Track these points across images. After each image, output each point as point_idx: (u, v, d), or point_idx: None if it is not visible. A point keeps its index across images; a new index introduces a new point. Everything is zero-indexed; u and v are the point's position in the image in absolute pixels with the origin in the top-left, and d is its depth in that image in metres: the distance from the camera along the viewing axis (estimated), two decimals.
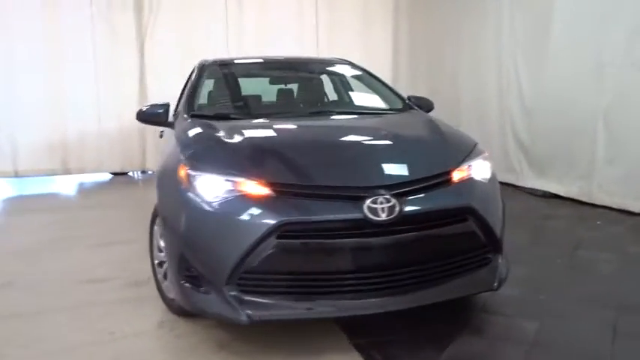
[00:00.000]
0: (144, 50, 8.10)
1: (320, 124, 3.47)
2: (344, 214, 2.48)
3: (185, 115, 3.50)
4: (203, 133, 3.09)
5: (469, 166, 2.91)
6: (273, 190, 2.53)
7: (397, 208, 2.51)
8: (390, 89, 4.15)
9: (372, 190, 2.53)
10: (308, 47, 8.42)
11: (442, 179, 2.76)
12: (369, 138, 3.20)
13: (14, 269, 4.15)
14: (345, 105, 4.29)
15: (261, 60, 4.71)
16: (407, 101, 4.02)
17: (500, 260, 2.88)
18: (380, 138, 3.17)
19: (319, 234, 2.47)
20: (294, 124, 3.42)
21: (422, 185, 2.66)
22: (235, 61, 4.56)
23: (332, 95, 4.42)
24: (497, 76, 6.78)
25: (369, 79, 4.34)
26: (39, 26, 7.63)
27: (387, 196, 2.52)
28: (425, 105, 4.08)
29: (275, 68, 4.57)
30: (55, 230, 5.37)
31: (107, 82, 7.90)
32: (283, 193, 2.53)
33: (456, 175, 2.82)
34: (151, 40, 8.11)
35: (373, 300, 2.52)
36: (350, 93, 4.48)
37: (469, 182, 2.83)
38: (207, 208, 2.57)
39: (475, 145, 3.16)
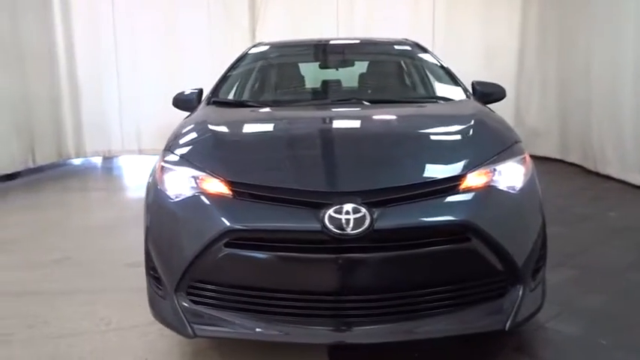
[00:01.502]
0: (255, 37, 8.14)
1: (331, 115, 3.04)
2: (299, 223, 2.09)
3: (205, 102, 3.32)
4: (196, 122, 2.87)
5: (493, 170, 2.31)
6: (232, 191, 2.23)
7: (368, 221, 2.05)
8: (450, 75, 3.55)
9: (339, 197, 2.10)
10: (422, 32, 7.76)
11: (445, 186, 2.21)
12: (371, 133, 2.72)
13: (78, 244, 4.40)
14: (383, 92, 3.76)
15: (310, 43, 4.35)
16: (464, 89, 3.40)
17: (520, 293, 2.25)
18: (384, 134, 2.68)
19: (271, 245, 2.12)
20: (302, 115, 3.06)
21: (410, 193, 2.15)
22: (284, 45, 4.27)
23: (377, 81, 3.92)
24: (634, 68, 5.59)
25: (428, 64, 3.77)
26: (159, 21, 8.11)
27: (356, 206, 2.07)
28: (494, 92, 3.44)
29: (323, 52, 4.17)
30: (139, 209, 5.59)
31: (221, 70, 8.05)
32: (241, 195, 2.21)
33: (470, 181, 2.24)
34: (262, 27, 8.14)
35: (327, 329, 2.12)
36: (395, 79, 3.95)
37: (483, 192, 2.23)
38: (168, 204, 2.35)
39: (513, 143, 2.52)
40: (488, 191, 2.26)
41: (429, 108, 3.18)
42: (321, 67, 4.02)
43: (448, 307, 2.17)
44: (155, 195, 2.45)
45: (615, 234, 4.32)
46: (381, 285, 2.13)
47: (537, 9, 7.65)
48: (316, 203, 2.10)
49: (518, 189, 2.34)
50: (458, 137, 2.60)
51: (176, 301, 2.26)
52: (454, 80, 3.49)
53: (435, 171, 2.31)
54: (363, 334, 2.15)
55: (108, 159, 8.62)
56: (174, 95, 3.62)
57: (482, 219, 2.14)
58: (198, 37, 8.14)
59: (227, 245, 2.13)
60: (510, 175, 2.35)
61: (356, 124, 2.93)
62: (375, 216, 2.06)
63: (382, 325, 2.16)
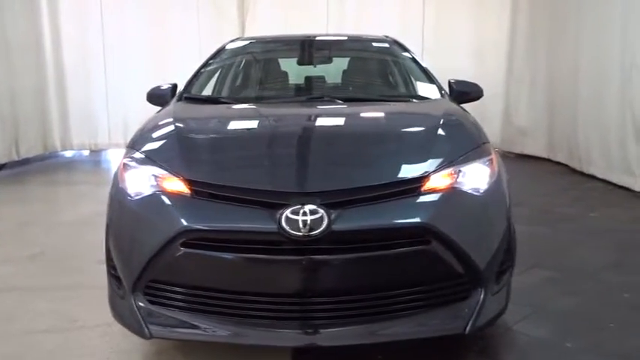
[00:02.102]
0: (244, 30, 8.08)
1: (298, 113, 3.00)
2: (256, 224, 2.07)
3: (176, 98, 3.28)
4: (162, 119, 2.83)
5: (457, 171, 2.28)
6: (191, 189, 2.19)
7: (325, 223, 2.02)
8: (426, 73, 3.52)
9: (297, 198, 2.07)
10: (412, 29, 7.70)
11: (406, 187, 2.18)
12: (335, 133, 2.69)
13: (55, 240, 4.37)
14: (356, 90, 3.73)
15: (287, 39, 4.32)
16: (439, 87, 3.37)
17: (482, 296, 2.22)
18: (348, 134, 2.66)
19: (229, 246, 2.09)
20: (269, 113, 3.03)
21: (370, 194, 2.12)
22: (261, 41, 4.24)
23: (352, 79, 3.89)
24: (620, 70, 5.55)
25: (406, 61, 3.74)
26: (147, 15, 8.02)
27: (314, 207, 2.04)
28: (471, 91, 3.40)
29: (300, 48, 4.12)
30: None
31: None
32: (200, 194, 2.18)
33: (433, 183, 2.21)
34: (252, 21, 8.07)
35: (287, 331, 2.10)
36: (371, 77, 3.90)
37: (445, 193, 2.20)
38: (127, 202, 2.32)
39: (480, 144, 2.49)
40: (451, 193, 2.23)
41: (399, 107, 3.14)
42: (298, 63, 3.99)
43: (408, 309, 2.15)
44: (116, 192, 2.43)
45: (595, 235, 4.31)
46: (342, 287, 2.11)
47: (527, 9, 7.58)
48: (274, 204, 2.07)
49: (482, 191, 2.30)
50: (423, 137, 2.56)
51: (133, 301, 2.23)
52: (430, 78, 3.46)
53: (397, 172, 2.28)
54: (328, 336, 2.12)
55: (95, 152, 8.55)
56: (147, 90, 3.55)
57: (443, 221, 2.12)
58: (187, 31, 8.05)
59: (184, 245, 2.10)
60: (475, 177, 2.32)
61: (321, 123, 2.89)
62: (332, 217, 2.03)
63: (346, 328, 2.13)
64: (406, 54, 3.84)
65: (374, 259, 2.08)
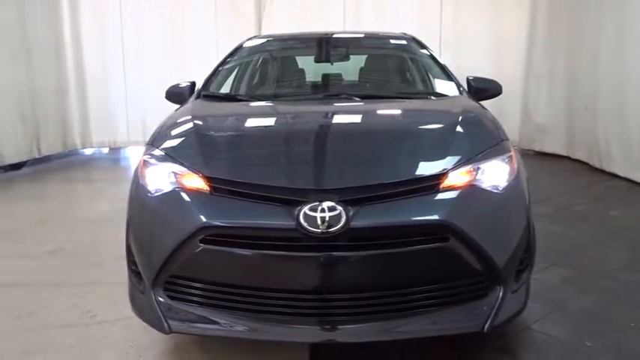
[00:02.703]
0: (261, 28, 8.10)
1: (316, 110, 3.01)
2: (274, 221, 2.07)
3: (195, 96, 3.31)
4: (181, 117, 2.85)
5: (476, 168, 2.27)
6: (210, 186, 2.21)
7: (343, 220, 2.02)
8: (444, 70, 3.50)
9: (315, 195, 2.07)
10: (429, 26, 7.67)
11: (425, 184, 2.17)
12: (353, 130, 2.69)
13: (74, 236, 4.41)
14: (374, 87, 3.72)
15: (305, 36, 4.32)
16: (457, 84, 3.34)
17: (500, 294, 2.21)
18: (367, 131, 2.65)
19: (246, 242, 2.10)
20: (287, 110, 3.04)
21: (388, 191, 2.12)
22: (279, 39, 4.25)
23: (370, 76, 3.88)
24: None
25: (424, 58, 3.72)
26: (165, 13, 8.09)
27: (332, 203, 2.04)
28: (489, 88, 3.37)
29: (317, 46, 4.12)
30: None
31: None
32: (219, 191, 2.20)
33: (451, 180, 2.20)
34: (268, 20, 8.09)
35: (305, 328, 2.10)
36: (389, 74, 3.89)
37: (464, 191, 2.19)
38: (147, 199, 2.34)
39: (499, 141, 2.47)
40: (470, 190, 2.21)
41: (417, 104, 3.13)
42: (316, 61, 3.99)
43: (427, 307, 2.14)
44: (136, 189, 2.45)
45: (615, 233, 4.25)
46: (361, 284, 2.10)
47: (546, 5, 7.49)
48: (292, 200, 2.08)
49: (502, 188, 2.29)
50: (442, 134, 2.55)
51: (153, 296, 2.26)
52: (448, 76, 3.44)
53: (415, 169, 2.27)
54: (346, 333, 2.13)
55: (114, 150, 8.65)
56: (166, 88, 3.58)
57: (461, 219, 2.10)
58: (205, 29, 8.11)
59: (203, 241, 2.11)
60: (494, 174, 2.30)
61: (340, 120, 2.89)
62: (350, 214, 2.03)
63: (364, 325, 2.13)
64: (424, 51, 3.82)
65: (392, 257, 2.07)
